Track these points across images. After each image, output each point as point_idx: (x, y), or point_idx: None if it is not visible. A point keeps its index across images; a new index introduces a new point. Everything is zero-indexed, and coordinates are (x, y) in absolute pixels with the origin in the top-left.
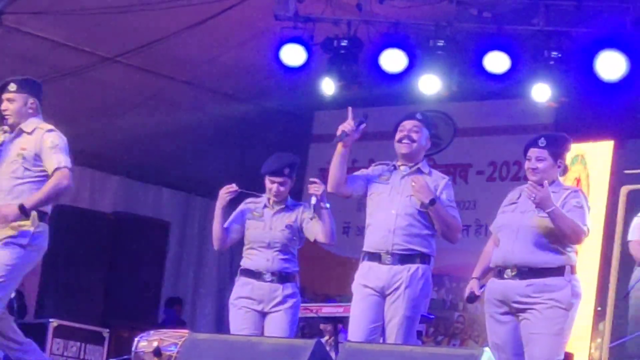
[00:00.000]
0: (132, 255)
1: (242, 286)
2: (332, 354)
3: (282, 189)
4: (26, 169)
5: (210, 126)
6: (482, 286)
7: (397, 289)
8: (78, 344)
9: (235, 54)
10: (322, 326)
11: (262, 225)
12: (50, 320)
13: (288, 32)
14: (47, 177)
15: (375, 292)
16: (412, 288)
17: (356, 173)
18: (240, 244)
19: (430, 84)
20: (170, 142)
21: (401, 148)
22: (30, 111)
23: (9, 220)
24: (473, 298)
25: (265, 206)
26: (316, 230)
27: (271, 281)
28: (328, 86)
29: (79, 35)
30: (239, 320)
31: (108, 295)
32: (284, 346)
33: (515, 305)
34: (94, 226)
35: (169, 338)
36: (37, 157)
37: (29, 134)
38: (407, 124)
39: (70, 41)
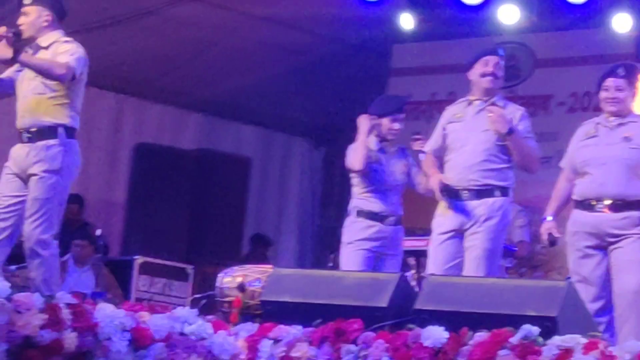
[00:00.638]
0: (215, 191)
1: (364, 229)
2: (416, 288)
3: (401, 127)
4: (45, 85)
5: (289, 62)
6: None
7: (475, 223)
8: (163, 280)
9: None
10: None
11: (383, 169)
12: (136, 257)
13: None
14: (66, 94)
15: (450, 231)
16: (491, 221)
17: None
18: (320, 179)
19: (509, 15)
20: (250, 78)
21: (485, 83)
22: (45, 24)
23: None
24: (554, 241)
25: (382, 150)
26: (420, 181)
27: (394, 224)
28: (407, 20)
29: None
30: (359, 261)
31: (192, 231)
32: (368, 280)
33: (609, 239)
34: (176, 163)
35: (252, 274)
36: None
37: (45, 48)
38: (491, 60)
39: None
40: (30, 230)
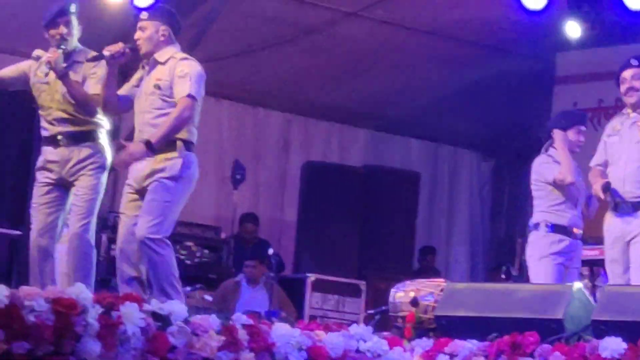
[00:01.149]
0: (384, 207)
1: (555, 243)
2: (591, 298)
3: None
4: (163, 100)
5: (454, 75)
6: None
7: (637, 235)
8: (336, 297)
9: (475, 1)
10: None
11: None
12: (308, 275)
13: None
14: None
15: (618, 239)
16: None
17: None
18: (489, 191)
19: None
20: (416, 93)
21: (628, 99)
22: (162, 39)
23: (135, 157)
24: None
25: None
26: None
27: (580, 238)
28: (573, 28)
29: None
30: (553, 275)
31: (362, 247)
32: (543, 292)
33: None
34: (345, 180)
35: (425, 288)
36: (172, 87)
37: (162, 64)
38: (626, 74)
39: None
40: (145, 228)
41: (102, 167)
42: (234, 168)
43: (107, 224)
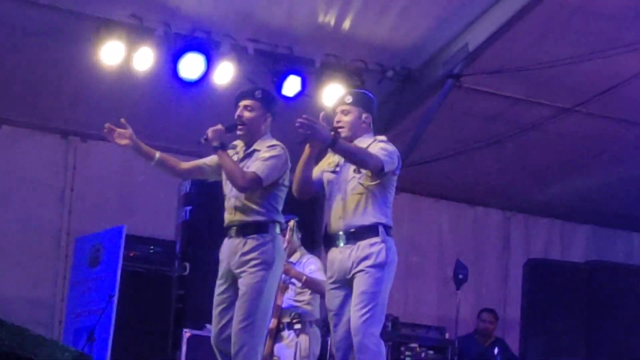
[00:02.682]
0: (609, 303)
1: None
2: None
3: None
4: (362, 184)
5: None
6: None
7: None
8: None
9: None
10: None
11: None
12: None
13: None
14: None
15: None
16: None
17: None
18: None
19: None
20: (635, 186)
21: None
22: (364, 126)
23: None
24: None
25: None
26: None
27: None
28: None
29: (536, 89)
30: None
31: (589, 344)
32: None
33: None
34: (569, 277)
35: None
36: None
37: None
38: None
39: (528, 96)
40: (360, 323)
41: (266, 264)
42: (456, 268)
43: None
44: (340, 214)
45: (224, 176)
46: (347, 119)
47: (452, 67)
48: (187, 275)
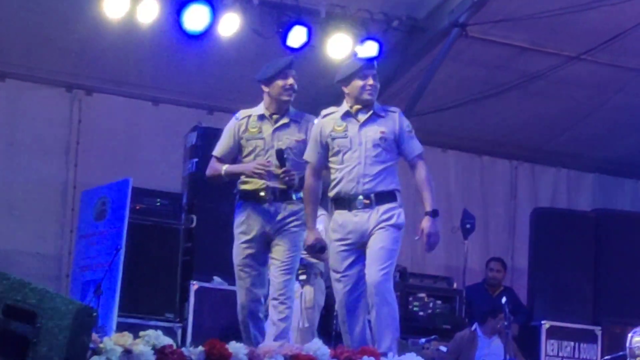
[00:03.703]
0: (616, 250)
1: None
2: None
3: None
4: (387, 152)
5: None
6: None
7: None
8: (572, 343)
9: None
10: None
11: None
12: (543, 322)
13: None
14: None
15: None
16: None
17: None
18: None
19: None
20: None
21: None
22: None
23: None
24: None
25: None
26: None
27: None
28: None
29: (542, 37)
30: None
31: (597, 292)
32: None
33: None
34: (575, 226)
35: None
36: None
37: (383, 117)
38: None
39: (535, 44)
40: (380, 277)
41: None
42: (463, 217)
43: None
44: (360, 178)
45: None
46: (376, 84)
47: (457, 16)
48: (194, 227)
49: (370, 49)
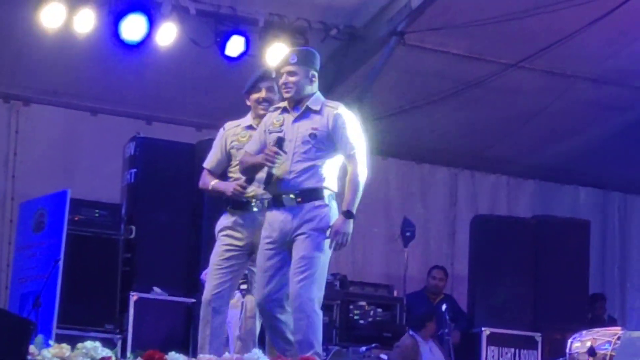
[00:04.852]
0: (555, 257)
1: None
2: None
3: None
4: (318, 149)
5: (619, 120)
6: None
7: None
8: (512, 349)
9: (636, 46)
10: None
11: None
12: (483, 329)
13: None
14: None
15: None
16: None
17: None
18: None
19: None
20: (581, 140)
21: None
22: (311, 84)
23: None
24: None
25: None
26: None
27: None
28: None
29: (480, 45)
30: None
31: (536, 298)
32: None
33: None
34: (515, 232)
35: (602, 337)
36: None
37: (318, 112)
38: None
39: (473, 52)
40: (298, 288)
41: None
42: (403, 225)
43: None
44: (286, 174)
45: None
46: (293, 79)
47: (396, 25)
48: (133, 238)
49: None
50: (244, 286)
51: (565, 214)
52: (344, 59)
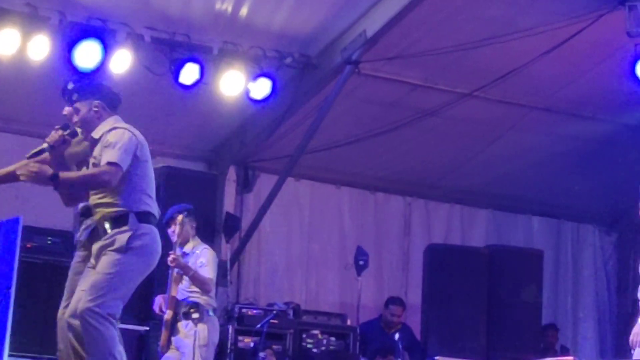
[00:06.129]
0: (509, 286)
1: None
2: None
3: None
4: None
5: (572, 149)
6: None
7: None
8: None
9: (591, 76)
10: None
11: None
12: (436, 358)
13: None
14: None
15: None
16: None
17: None
18: (614, 265)
19: None
20: (534, 171)
21: None
22: (96, 115)
23: (33, 177)
24: None
25: None
26: None
27: None
28: None
29: (434, 75)
30: None
31: (489, 327)
32: None
33: None
34: (469, 261)
35: None
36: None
37: (98, 141)
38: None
39: (427, 82)
40: (83, 304)
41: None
42: (356, 254)
43: (233, 315)
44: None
45: None
46: (77, 118)
47: (350, 54)
48: None
49: (263, 86)
50: (195, 315)
51: (519, 244)
52: (299, 87)
